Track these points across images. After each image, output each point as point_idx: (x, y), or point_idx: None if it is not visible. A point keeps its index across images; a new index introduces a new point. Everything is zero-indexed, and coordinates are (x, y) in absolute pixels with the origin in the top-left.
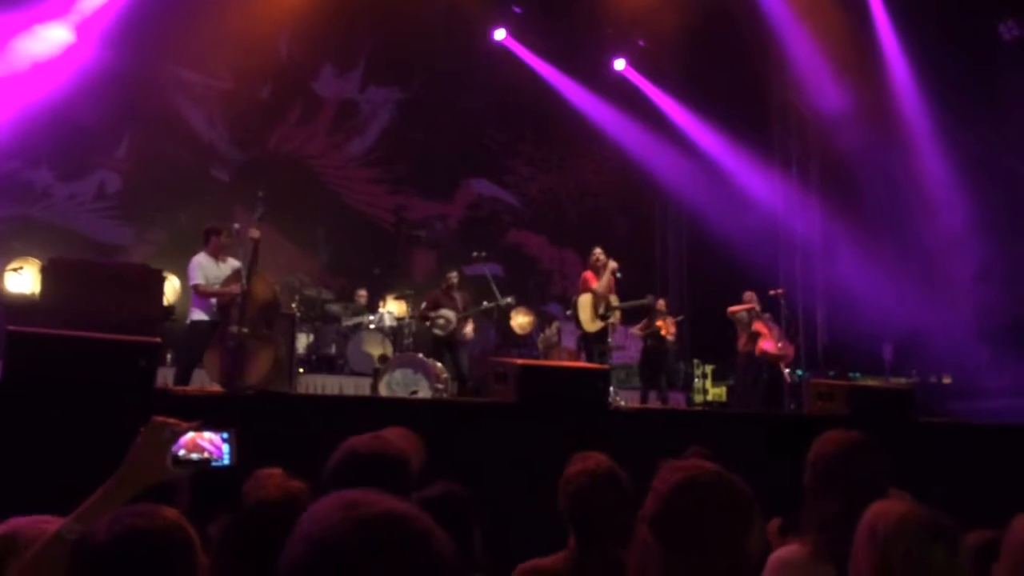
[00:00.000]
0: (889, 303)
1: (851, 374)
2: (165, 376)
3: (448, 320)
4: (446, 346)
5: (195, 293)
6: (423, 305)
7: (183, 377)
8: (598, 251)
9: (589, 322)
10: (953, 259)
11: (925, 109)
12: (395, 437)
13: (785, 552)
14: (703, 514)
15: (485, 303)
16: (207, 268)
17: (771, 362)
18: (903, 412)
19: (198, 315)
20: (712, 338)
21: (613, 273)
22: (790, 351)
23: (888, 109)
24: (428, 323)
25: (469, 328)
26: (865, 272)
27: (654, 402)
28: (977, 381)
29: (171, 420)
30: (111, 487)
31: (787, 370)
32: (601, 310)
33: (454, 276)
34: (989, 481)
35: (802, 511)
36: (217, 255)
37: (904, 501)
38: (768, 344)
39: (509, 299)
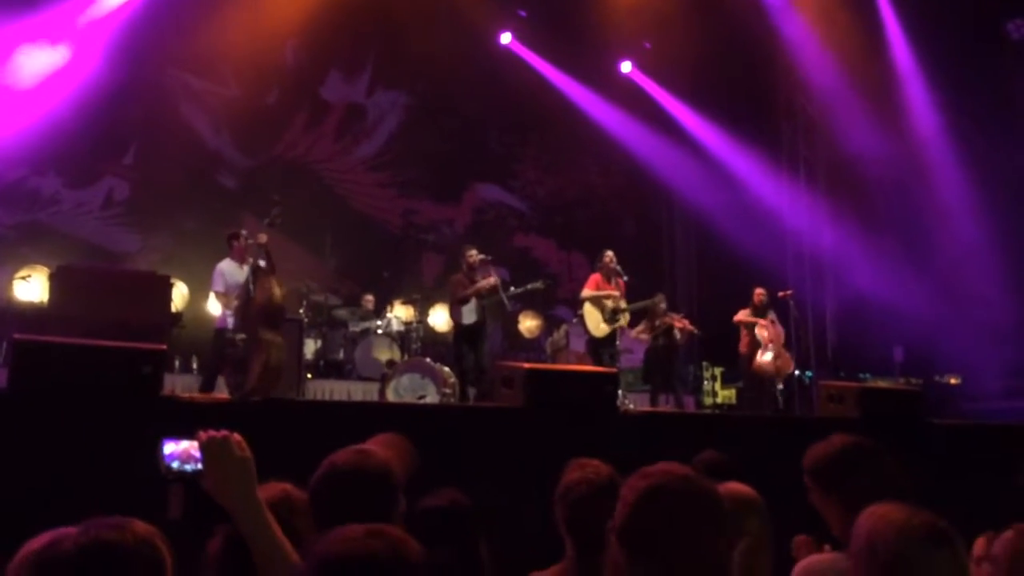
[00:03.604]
0: (899, 304)
1: (861, 375)
2: (173, 383)
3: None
4: (468, 339)
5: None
6: (459, 292)
7: (207, 385)
8: (610, 255)
9: (597, 327)
10: (963, 259)
11: (934, 110)
12: (380, 446)
13: (819, 559)
14: (670, 522)
15: (513, 288)
16: (229, 274)
17: (767, 377)
18: (914, 413)
19: (222, 323)
20: (722, 340)
21: (619, 275)
22: (788, 366)
23: (896, 110)
24: (465, 303)
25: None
26: (874, 273)
27: (665, 405)
28: (987, 382)
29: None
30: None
31: (781, 386)
32: (607, 315)
33: (475, 254)
34: (1001, 483)
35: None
36: (241, 259)
37: (897, 506)
38: (765, 360)
39: (539, 283)
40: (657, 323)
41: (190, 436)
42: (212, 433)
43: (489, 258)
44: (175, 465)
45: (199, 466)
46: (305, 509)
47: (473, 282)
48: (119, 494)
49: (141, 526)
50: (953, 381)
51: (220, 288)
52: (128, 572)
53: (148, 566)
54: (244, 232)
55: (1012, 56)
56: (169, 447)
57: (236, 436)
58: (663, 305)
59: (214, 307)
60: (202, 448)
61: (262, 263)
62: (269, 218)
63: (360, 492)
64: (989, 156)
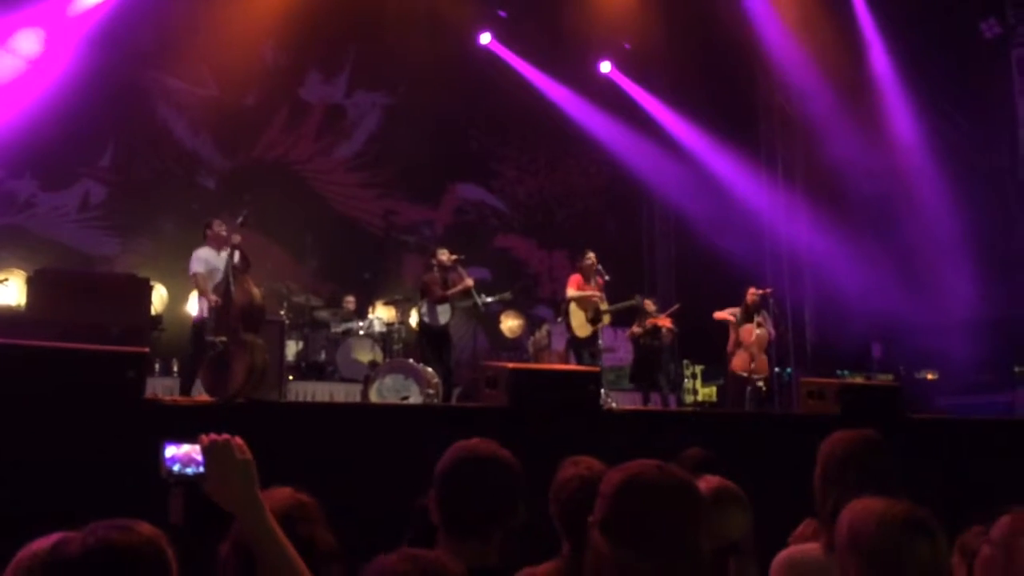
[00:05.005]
0: (876, 301)
1: (839, 372)
2: (153, 386)
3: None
4: (435, 341)
5: (194, 284)
6: (436, 292)
7: (188, 385)
8: (592, 256)
9: (581, 327)
10: (939, 256)
11: (910, 108)
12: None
13: (799, 551)
14: (648, 510)
15: (483, 295)
16: (207, 259)
17: (742, 381)
18: (893, 408)
19: (199, 317)
20: (701, 338)
21: (600, 275)
22: (762, 371)
23: (873, 109)
24: (443, 304)
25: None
26: (852, 270)
27: (656, 404)
28: (963, 377)
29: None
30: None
31: (752, 386)
32: (591, 315)
33: (446, 254)
34: (979, 476)
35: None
36: (217, 247)
37: (877, 499)
38: (739, 363)
39: (507, 294)
40: (646, 323)
41: (188, 439)
42: (214, 436)
43: (462, 257)
44: (176, 468)
45: (200, 469)
46: (314, 515)
47: (446, 282)
48: (107, 499)
49: (147, 528)
50: (930, 377)
51: (200, 269)
52: (134, 574)
53: (154, 568)
54: (217, 220)
55: (986, 55)
56: (170, 450)
57: (237, 439)
58: (653, 307)
59: (193, 307)
60: (204, 451)
61: (236, 257)
62: (241, 218)
63: (491, 481)
64: (964, 154)
